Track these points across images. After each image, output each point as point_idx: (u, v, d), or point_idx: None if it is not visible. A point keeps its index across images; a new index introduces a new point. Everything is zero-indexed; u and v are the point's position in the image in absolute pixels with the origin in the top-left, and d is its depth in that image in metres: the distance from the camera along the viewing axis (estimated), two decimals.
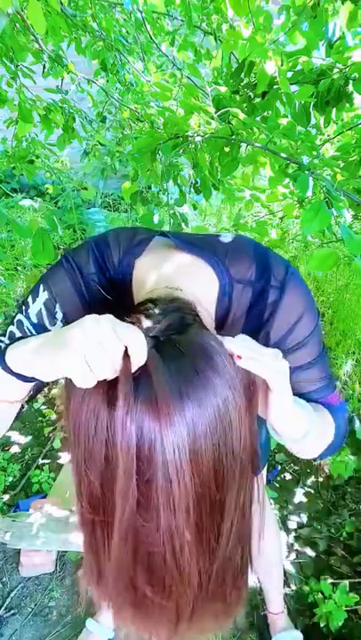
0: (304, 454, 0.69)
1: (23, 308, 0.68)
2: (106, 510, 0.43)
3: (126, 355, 0.42)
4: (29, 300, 0.67)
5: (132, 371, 0.42)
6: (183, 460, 0.41)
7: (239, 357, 0.46)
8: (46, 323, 0.66)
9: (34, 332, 0.66)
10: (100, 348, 0.42)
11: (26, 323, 0.67)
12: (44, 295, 0.66)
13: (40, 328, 0.66)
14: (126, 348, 0.42)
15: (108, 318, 0.44)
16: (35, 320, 0.66)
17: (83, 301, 0.67)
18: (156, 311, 0.51)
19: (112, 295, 0.67)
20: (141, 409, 0.40)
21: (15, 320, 0.68)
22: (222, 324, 0.66)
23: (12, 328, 0.68)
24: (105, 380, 0.43)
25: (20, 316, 0.68)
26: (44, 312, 0.66)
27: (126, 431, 0.40)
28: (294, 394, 0.60)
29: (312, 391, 0.69)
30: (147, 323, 0.49)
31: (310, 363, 0.67)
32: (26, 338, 0.52)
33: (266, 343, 0.66)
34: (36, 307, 0.66)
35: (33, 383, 0.54)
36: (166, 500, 0.41)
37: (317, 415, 0.64)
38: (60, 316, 0.66)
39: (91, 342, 0.42)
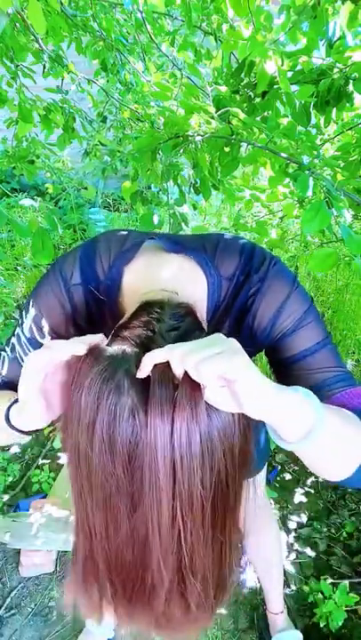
0: (325, 468, 0.55)
1: (20, 321, 0.70)
2: (106, 511, 0.44)
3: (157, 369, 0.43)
4: (23, 314, 0.70)
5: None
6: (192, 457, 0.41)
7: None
8: (37, 337, 0.69)
9: (29, 346, 0.68)
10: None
11: (22, 337, 0.69)
12: (32, 311, 0.68)
13: (34, 342, 0.69)
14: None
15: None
16: (28, 335, 0.69)
17: (65, 313, 0.68)
18: (167, 316, 0.50)
19: (98, 303, 0.68)
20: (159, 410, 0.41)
21: (15, 333, 0.71)
22: (211, 320, 0.67)
23: (14, 340, 0.70)
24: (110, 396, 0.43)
25: (18, 330, 0.70)
26: (34, 328, 0.68)
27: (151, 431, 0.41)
28: (308, 386, 0.54)
29: (326, 379, 0.62)
30: (158, 327, 0.48)
31: (317, 344, 0.64)
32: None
33: (251, 334, 0.66)
34: (28, 323, 0.69)
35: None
36: (172, 497, 0.41)
37: (335, 412, 0.53)
38: (46, 329, 0.68)
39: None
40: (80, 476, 0.44)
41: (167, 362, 0.43)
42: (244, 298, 0.65)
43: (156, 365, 0.42)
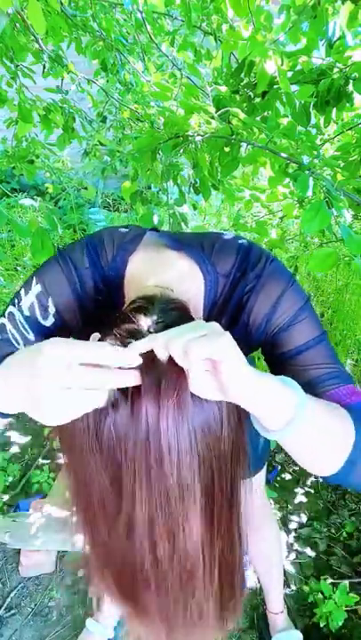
0: (309, 460, 0.54)
1: (15, 300, 0.67)
2: (109, 509, 0.44)
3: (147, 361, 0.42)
4: (22, 292, 0.67)
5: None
6: (192, 448, 0.42)
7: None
8: (38, 316, 0.66)
9: (26, 327, 0.66)
10: (68, 393, 0.40)
11: (18, 315, 0.66)
12: (36, 288, 0.66)
13: (32, 322, 0.66)
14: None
15: (60, 352, 0.41)
16: (27, 313, 0.66)
17: (76, 297, 0.67)
18: (155, 310, 0.51)
19: (105, 291, 0.68)
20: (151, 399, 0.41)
21: (7, 312, 0.67)
22: (208, 318, 0.67)
23: (4, 320, 0.67)
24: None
25: (11, 308, 0.67)
26: (36, 305, 0.65)
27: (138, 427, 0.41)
28: (302, 382, 0.53)
29: (320, 376, 0.62)
30: (147, 321, 0.49)
31: (313, 340, 0.64)
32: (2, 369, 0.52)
33: (246, 331, 0.67)
34: (29, 300, 0.66)
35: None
36: (175, 490, 0.41)
37: (320, 403, 0.53)
38: (52, 310, 0.66)
39: (57, 390, 0.40)
40: (73, 473, 0.45)
41: (151, 350, 0.43)
42: (239, 295, 0.66)
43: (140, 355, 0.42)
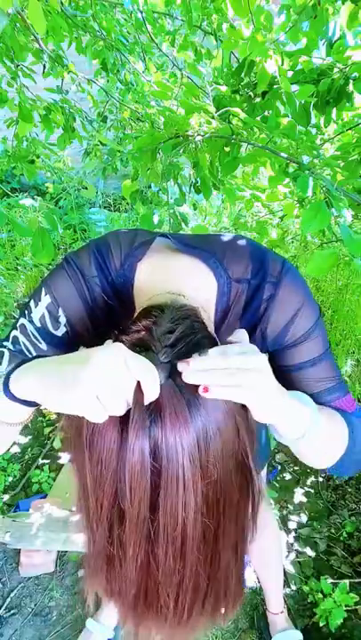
0: (314, 460, 0.63)
1: (26, 312, 0.67)
2: (116, 520, 0.43)
3: (139, 389, 0.41)
4: (32, 303, 0.67)
5: (145, 404, 0.41)
6: (195, 469, 0.41)
7: (206, 390, 0.43)
8: (49, 327, 0.66)
9: (37, 337, 0.65)
10: (113, 387, 0.41)
11: (29, 327, 0.66)
12: (46, 299, 0.65)
13: (44, 332, 0.66)
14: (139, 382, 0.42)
15: (120, 350, 0.42)
16: (38, 324, 0.66)
17: (86, 305, 0.66)
18: (166, 319, 0.50)
19: (114, 299, 0.67)
20: (155, 430, 0.41)
21: (18, 324, 0.67)
22: (221, 324, 0.66)
23: (16, 333, 0.67)
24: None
25: (22, 320, 0.67)
26: (46, 316, 0.65)
27: (137, 456, 0.40)
28: (305, 393, 0.61)
29: (322, 391, 0.66)
30: (157, 331, 0.49)
31: (318, 358, 0.66)
32: (29, 361, 0.51)
33: (263, 339, 0.67)
34: (39, 311, 0.66)
35: (38, 407, 0.53)
36: (178, 506, 0.41)
37: (324, 413, 0.60)
38: (63, 320, 0.66)
39: (103, 382, 0.41)
40: (80, 479, 0.44)
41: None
42: (257, 303, 0.65)
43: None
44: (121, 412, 0.42)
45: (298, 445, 0.56)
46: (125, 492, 0.40)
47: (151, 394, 0.41)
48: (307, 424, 0.53)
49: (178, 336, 0.48)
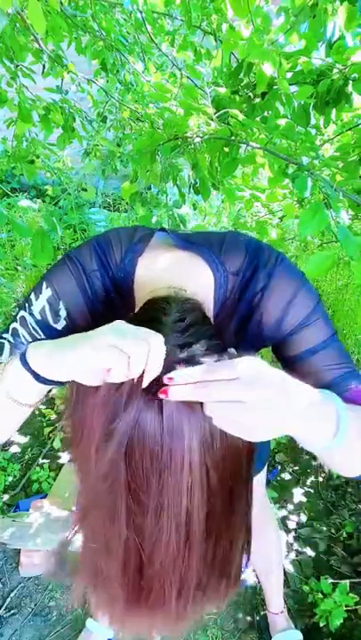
0: (350, 468, 0.57)
1: (26, 304, 0.68)
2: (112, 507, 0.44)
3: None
4: (32, 296, 0.67)
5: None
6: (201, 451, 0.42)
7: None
8: (49, 320, 0.66)
9: (37, 330, 0.66)
10: (136, 340, 0.42)
11: (29, 319, 0.66)
12: (47, 292, 0.66)
13: (43, 325, 0.66)
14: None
15: (129, 324, 0.45)
16: (38, 317, 0.66)
17: (86, 299, 0.67)
18: (174, 310, 0.51)
19: (115, 293, 0.68)
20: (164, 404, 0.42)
21: (18, 317, 0.67)
22: (218, 316, 0.67)
23: (15, 325, 0.67)
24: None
25: (22, 313, 0.67)
26: (47, 309, 0.66)
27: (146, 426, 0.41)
28: (317, 384, 0.56)
29: (336, 377, 0.63)
30: (168, 319, 0.49)
31: (325, 342, 0.64)
32: (38, 340, 0.52)
33: (259, 330, 0.67)
34: (40, 304, 0.66)
35: (49, 388, 0.52)
36: (180, 488, 0.42)
37: (354, 412, 0.53)
38: (63, 313, 0.66)
39: (126, 336, 0.43)
40: (83, 476, 0.45)
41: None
42: (251, 294, 0.66)
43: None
44: (140, 370, 0.42)
45: (329, 453, 0.51)
46: (134, 450, 0.41)
47: (157, 363, 0.42)
48: (334, 425, 0.48)
49: (188, 324, 0.48)
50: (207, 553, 0.45)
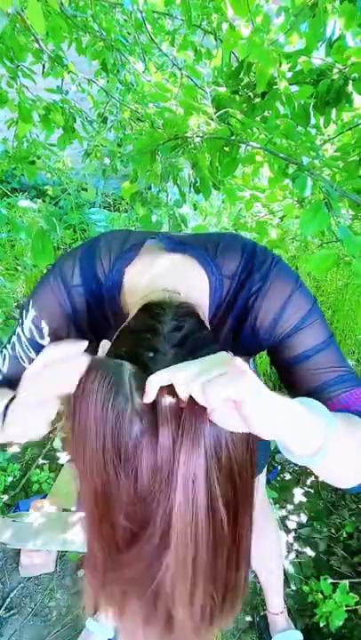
0: (342, 479, 0.55)
1: (19, 321, 0.71)
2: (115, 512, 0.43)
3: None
4: (23, 315, 0.70)
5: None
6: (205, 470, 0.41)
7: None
8: (37, 338, 0.69)
9: (29, 347, 0.69)
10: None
11: (22, 336, 0.70)
12: (32, 312, 0.68)
13: (33, 342, 0.69)
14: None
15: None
16: (28, 335, 0.69)
17: (66, 315, 0.68)
18: (169, 316, 0.50)
19: (101, 305, 0.68)
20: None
21: (16, 332, 0.71)
22: (213, 319, 0.67)
23: (14, 339, 0.71)
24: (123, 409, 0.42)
25: (18, 329, 0.70)
26: (33, 329, 0.69)
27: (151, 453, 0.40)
28: (312, 386, 0.56)
29: (329, 380, 0.62)
30: (164, 329, 0.48)
31: (320, 345, 0.64)
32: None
33: (253, 333, 0.66)
34: (27, 324, 0.69)
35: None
36: (185, 503, 0.41)
37: (340, 419, 0.51)
38: (46, 331, 0.68)
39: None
40: (90, 495, 0.44)
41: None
42: (245, 296, 0.65)
43: (162, 388, 0.42)
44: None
45: (316, 463, 0.48)
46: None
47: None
48: (321, 436, 0.46)
49: (185, 333, 0.48)
50: (214, 568, 0.44)
